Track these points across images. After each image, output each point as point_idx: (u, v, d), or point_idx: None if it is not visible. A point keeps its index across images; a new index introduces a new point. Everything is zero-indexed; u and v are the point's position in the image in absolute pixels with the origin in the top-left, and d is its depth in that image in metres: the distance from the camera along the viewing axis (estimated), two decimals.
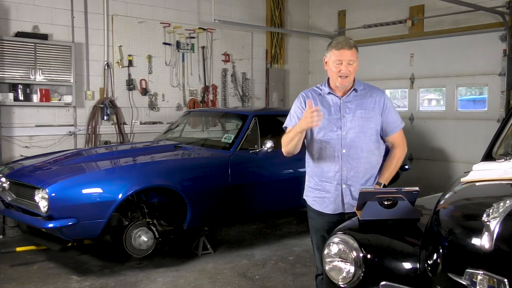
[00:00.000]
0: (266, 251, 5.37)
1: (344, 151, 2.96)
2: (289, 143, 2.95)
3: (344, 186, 2.98)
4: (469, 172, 2.89)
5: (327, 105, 3.01)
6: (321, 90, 3.06)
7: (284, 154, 3.05)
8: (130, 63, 7.08)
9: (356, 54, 2.93)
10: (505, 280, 1.84)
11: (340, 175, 2.98)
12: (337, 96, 3.00)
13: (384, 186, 3.03)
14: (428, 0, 7.53)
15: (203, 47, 7.80)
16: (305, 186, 3.20)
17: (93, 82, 6.81)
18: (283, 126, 3.15)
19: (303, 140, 3.03)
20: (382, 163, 3.09)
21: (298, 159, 5.73)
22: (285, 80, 9.04)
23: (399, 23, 7.84)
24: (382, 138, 3.06)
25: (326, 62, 2.99)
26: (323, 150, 3.01)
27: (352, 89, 2.99)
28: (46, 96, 6.28)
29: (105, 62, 6.89)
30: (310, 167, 3.15)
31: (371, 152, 3.00)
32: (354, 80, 3.00)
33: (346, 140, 2.95)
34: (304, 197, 3.20)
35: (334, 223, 2.90)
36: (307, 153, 3.15)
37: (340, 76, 2.90)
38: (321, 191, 3.06)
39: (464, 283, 1.93)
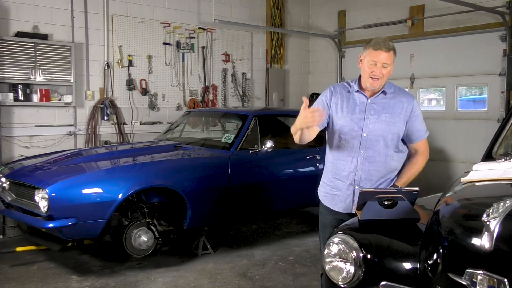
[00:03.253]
0: (266, 251, 5.37)
1: (362, 152, 2.92)
2: (294, 136, 2.92)
3: (356, 187, 2.95)
4: (469, 172, 2.89)
5: (353, 103, 2.95)
6: (350, 86, 2.99)
7: (297, 142, 3.00)
8: (130, 63, 7.08)
9: (393, 57, 2.87)
10: (505, 280, 1.83)
11: (354, 175, 2.95)
12: (365, 96, 2.94)
13: None
14: (428, 0, 7.54)
15: (203, 47, 7.80)
16: (321, 180, 3.18)
17: (93, 82, 6.82)
18: None
19: (325, 133, 3.00)
20: (402, 167, 3.04)
21: (298, 159, 5.83)
22: (285, 80, 9.04)
23: (399, 23, 7.84)
24: (405, 143, 3.01)
25: (361, 60, 2.93)
26: (341, 148, 2.97)
27: (381, 91, 2.94)
28: (46, 96, 6.28)
29: (105, 62, 6.89)
30: (328, 162, 3.11)
31: (390, 157, 2.95)
32: (385, 83, 2.94)
33: (365, 142, 2.91)
34: (318, 191, 3.18)
35: (343, 221, 2.85)
36: (327, 146, 3.11)
37: (371, 77, 2.85)
38: (333, 188, 3.05)
39: (464, 283, 1.93)
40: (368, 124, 2.90)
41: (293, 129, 2.90)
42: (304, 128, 2.79)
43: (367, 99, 2.94)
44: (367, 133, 2.90)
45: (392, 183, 3.01)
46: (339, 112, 2.96)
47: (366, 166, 2.93)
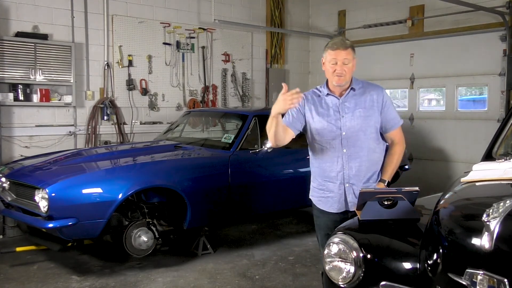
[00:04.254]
0: (266, 251, 5.37)
1: (344, 150, 2.98)
2: (269, 131, 2.91)
3: (347, 185, 3.00)
4: (469, 172, 2.89)
5: (326, 106, 3.02)
6: (320, 91, 3.08)
7: (272, 145, 3.02)
8: (130, 63, 7.08)
9: (352, 54, 2.93)
10: (505, 280, 1.84)
11: (342, 174, 3.00)
12: (336, 97, 3.01)
13: (388, 183, 3.05)
14: (428, 0, 7.53)
15: (203, 47, 7.80)
16: (311, 185, 3.21)
17: (93, 82, 6.81)
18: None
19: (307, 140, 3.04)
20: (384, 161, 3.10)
21: (298, 159, 5.82)
22: (285, 80, 8.99)
23: (399, 23, 7.83)
24: (381, 135, 3.07)
25: (323, 63, 3.03)
26: (324, 150, 3.03)
27: (350, 88, 3.00)
28: (46, 96, 6.28)
29: (105, 62, 6.89)
30: (313, 167, 3.17)
31: (372, 150, 3.01)
32: (352, 80, 3.01)
33: (346, 140, 2.97)
34: (310, 197, 3.22)
35: (338, 221, 2.92)
36: (310, 153, 3.17)
37: (336, 76, 2.92)
38: (325, 191, 3.08)
39: (464, 283, 1.93)
40: (345, 122, 2.97)
41: (268, 124, 2.90)
42: (279, 123, 2.84)
43: (338, 99, 3.01)
44: (346, 132, 2.96)
45: (379, 177, 3.06)
46: (315, 117, 3.02)
47: (352, 163, 2.98)
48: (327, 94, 3.04)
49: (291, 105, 2.73)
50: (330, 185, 3.05)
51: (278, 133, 2.91)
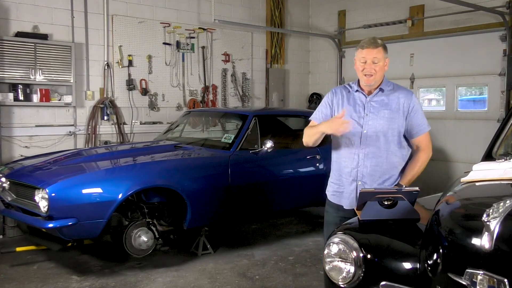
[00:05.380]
0: (266, 251, 5.37)
1: (362, 149, 3.00)
2: (310, 138, 3.06)
3: (359, 183, 3.02)
4: (469, 172, 2.89)
5: (353, 102, 3.05)
6: (350, 87, 3.11)
7: (304, 144, 3.15)
8: (130, 63, 7.08)
9: (383, 53, 2.95)
10: (505, 280, 1.83)
11: (356, 171, 3.03)
12: (364, 94, 3.04)
13: None
14: (428, 0, 7.54)
15: (203, 47, 7.80)
16: (329, 180, 3.26)
17: (93, 82, 6.81)
18: (309, 118, 3.22)
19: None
20: (405, 166, 3.09)
21: (298, 159, 5.82)
22: (285, 80, 9.04)
23: (399, 23, 7.84)
24: (407, 140, 3.06)
25: (355, 62, 3.04)
26: (343, 146, 3.07)
27: (379, 88, 3.01)
28: (46, 96, 6.28)
29: (105, 62, 6.89)
30: (333, 161, 3.21)
31: (392, 153, 3.00)
32: (383, 80, 3.02)
33: (365, 138, 2.98)
34: (326, 191, 3.26)
35: (346, 218, 2.89)
36: (332, 147, 3.20)
37: (365, 75, 2.94)
38: (340, 186, 3.14)
39: (464, 283, 1.93)
40: (368, 121, 2.99)
41: (311, 131, 3.04)
42: (321, 136, 3.01)
43: (366, 97, 3.03)
44: (367, 130, 2.98)
45: (396, 182, 3.05)
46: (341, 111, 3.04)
47: (368, 162, 3.00)
48: (357, 90, 3.06)
49: (338, 132, 2.88)
50: (344, 180, 3.10)
51: (318, 141, 3.07)
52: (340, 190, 3.13)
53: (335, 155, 3.17)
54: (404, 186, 3.00)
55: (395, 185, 3.04)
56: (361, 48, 2.96)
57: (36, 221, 4.39)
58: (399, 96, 3.01)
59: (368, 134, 2.97)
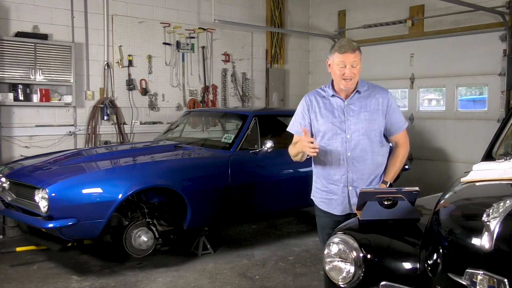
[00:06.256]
0: (266, 251, 5.37)
1: (349, 154, 2.97)
2: (295, 158, 3.04)
3: (350, 188, 3.00)
4: (469, 172, 2.89)
5: (331, 108, 3.01)
6: (325, 92, 3.06)
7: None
8: (130, 63, 7.08)
9: (360, 56, 2.91)
10: (505, 280, 1.83)
11: (346, 177, 3.00)
12: (341, 99, 3.00)
13: (390, 184, 3.05)
14: (428, 0, 7.54)
15: (203, 47, 7.80)
16: (313, 186, 3.21)
17: (93, 82, 6.82)
18: (287, 129, 3.20)
19: None
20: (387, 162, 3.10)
21: None
22: (285, 80, 9.04)
23: (399, 23, 7.84)
24: (385, 137, 3.07)
25: (329, 65, 2.99)
26: (328, 153, 3.01)
27: (356, 91, 2.98)
28: (46, 96, 6.28)
29: (105, 62, 6.89)
30: (316, 168, 3.15)
31: (376, 153, 3.00)
32: (358, 82, 2.99)
33: (350, 143, 2.96)
34: (312, 197, 3.22)
35: (340, 222, 2.88)
36: None
37: (344, 79, 2.90)
38: (328, 193, 3.08)
39: (464, 283, 1.93)
40: (350, 125, 2.96)
41: (292, 152, 3.04)
42: (304, 154, 2.97)
43: (343, 101, 3.00)
44: (350, 135, 2.96)
45: (381, 179, 3.06)
46: (320, 119, 3.02)
47: (356, 166, 2.98)
48: (332, 95, 3.02)
49: (309, 153, 2.85)
50: (334, 187, 3.04)
51: (304, 158, 3.03)
52: (329, 197, 3.08)
53: (319, 162, 3.09)
54: (389, 183, 3.04)
55: (380, 181, 3.05)
56: (339, 53, 2.87)
57: (36, 221, 4.39)
58: (376, 96, 3.00)
59: (352, 139, 2.95)
